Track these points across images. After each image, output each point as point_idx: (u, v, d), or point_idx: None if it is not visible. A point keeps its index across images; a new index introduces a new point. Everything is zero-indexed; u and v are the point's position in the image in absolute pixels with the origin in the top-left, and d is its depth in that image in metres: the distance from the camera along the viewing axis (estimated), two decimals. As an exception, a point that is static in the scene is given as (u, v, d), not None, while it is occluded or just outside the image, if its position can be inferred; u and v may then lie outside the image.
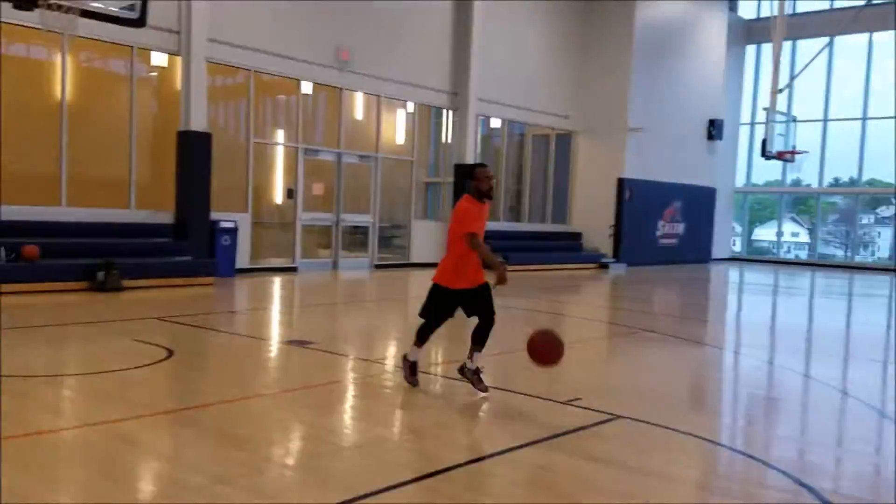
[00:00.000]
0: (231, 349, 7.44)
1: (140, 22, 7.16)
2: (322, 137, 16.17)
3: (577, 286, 16.19)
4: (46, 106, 11.76)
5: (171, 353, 6.66)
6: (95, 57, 12.71)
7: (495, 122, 19.70)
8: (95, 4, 6.48)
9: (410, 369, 5.55)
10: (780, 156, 20.68)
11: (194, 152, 12.92)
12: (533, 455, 4.20)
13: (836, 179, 26.12)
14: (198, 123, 13.00)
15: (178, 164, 12.98)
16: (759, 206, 28.71)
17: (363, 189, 16.64)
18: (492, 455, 4.25)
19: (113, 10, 6.70)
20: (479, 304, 5.30)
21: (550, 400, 5.38)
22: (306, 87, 15.30)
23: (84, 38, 11.30)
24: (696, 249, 23.78)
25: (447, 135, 18.55)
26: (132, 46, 12.42)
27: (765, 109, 20.87)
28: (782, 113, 20.90)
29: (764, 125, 20.85)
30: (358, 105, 16.63)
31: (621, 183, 20.87)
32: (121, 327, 8.07)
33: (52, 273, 10.31)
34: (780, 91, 20.53)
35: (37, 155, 11.79)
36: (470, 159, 17.82)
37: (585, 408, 5.21)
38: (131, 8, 6.72)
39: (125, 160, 12.59)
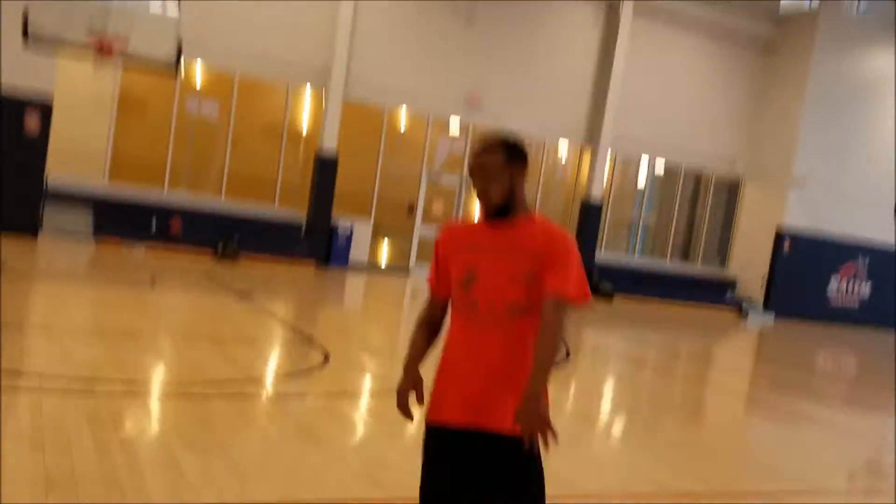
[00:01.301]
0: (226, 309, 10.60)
1: (176, 73, 10.72)
2: (446, 165, 18.97)
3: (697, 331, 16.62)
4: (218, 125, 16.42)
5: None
6: (261, 94, 17.11)
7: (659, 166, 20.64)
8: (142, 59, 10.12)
9: None
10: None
11: (325, 169, 16.62)
12: None
13: None
14: (329, 147, 16.67)
15: (312, 176, 16.79)
16: None
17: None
18: None
19: (155, 60, 10.26)
20: None
21: None
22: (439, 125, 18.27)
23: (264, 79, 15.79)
24: (882, 314, 21.55)
25: (578, 172, 20.06)
26: (288, 82, 16.58)
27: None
28: None
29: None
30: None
31: (780, 233, 20.21)
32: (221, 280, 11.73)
33: (191, 242, 14.62)
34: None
35: (207, 164, 16.46)
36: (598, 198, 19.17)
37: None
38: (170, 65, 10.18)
39: (275, 169, 16.77)
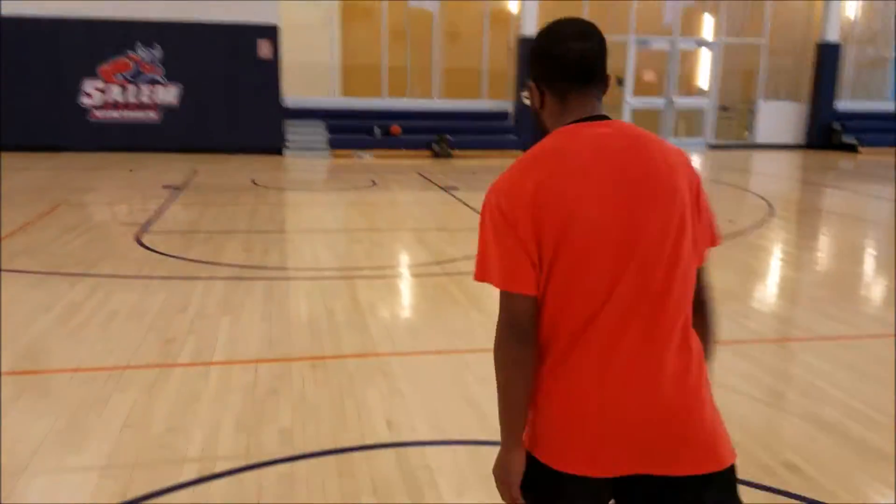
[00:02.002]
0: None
1: None
2: (654, 26, 17.85)
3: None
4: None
5: (454, 186, 11.20)
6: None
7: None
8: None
9: None
10: None
11: (527, 54, 16.62)
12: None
13: None
14: (530, 30, 16.60)
15: (517, 64, 16.95)
16: None
17: (695, 73, 17.85)
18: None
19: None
20: None
21: None
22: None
23: None
24: None
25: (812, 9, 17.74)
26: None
27: None
28: None
29: None
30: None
31: None
32: (434, 177, 12.93)
33: (408, 144, 15.78)
34: None
35: (421, 64, 17.31)
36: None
37: None
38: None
39: (480, 63, 17.18)
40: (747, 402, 3.73)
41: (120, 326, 4.67)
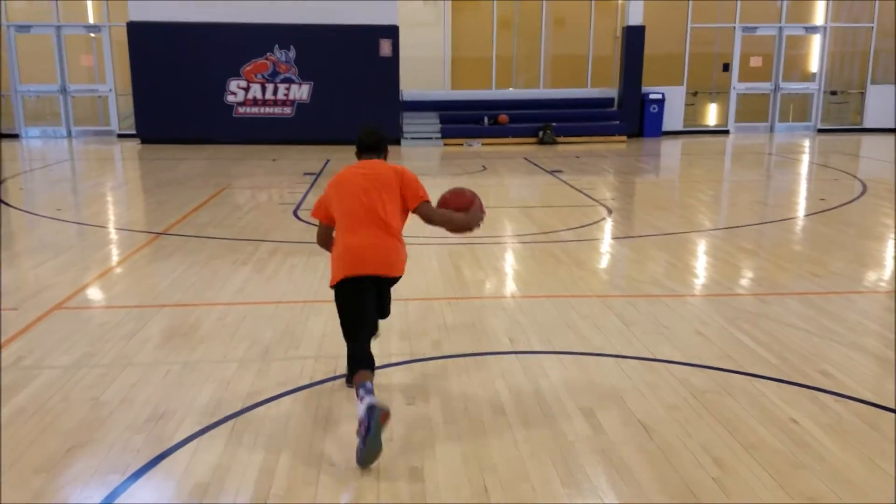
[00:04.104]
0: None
1: None
2: (761, 14, 18.02)
3: None
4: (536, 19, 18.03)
5: (559, 170, 12.34)
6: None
7: None
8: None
9: None
10: None
11: (632, 43, 17.32)
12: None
13: None
14: (635, 19, 17.24)
15: (622, 53, 17.63)
16: None
17: (804, 58, 17.90)
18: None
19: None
20: None
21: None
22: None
23: None
24: None
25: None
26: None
27: None
28: None
29: None
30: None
31: None
32: (540, 162, 14.02)
33: (515, 132, 16.83)
34: None
35: (528, 53, 18.27)
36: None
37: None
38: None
39: (586, 51, 17.97)
40: (803, 333, 4.63)
41: (300, 275, 6.06)
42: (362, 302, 3.55)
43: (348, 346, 3.58)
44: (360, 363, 3.41)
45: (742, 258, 6.70)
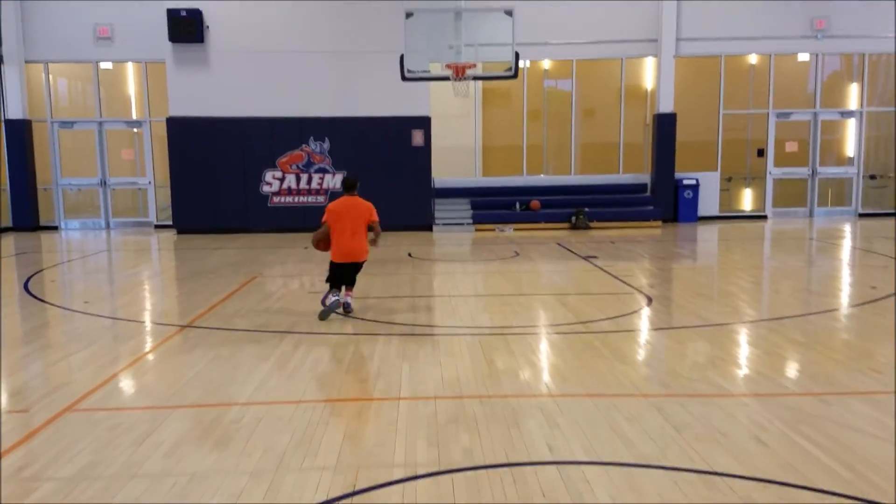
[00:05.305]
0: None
1: (514, 77, 12.50)
2: (794, 100, 17.91)
3: None
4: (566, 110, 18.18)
5: (593, 255, 12.10)
6: (597, 70, 18.39)
7: None
8: (489, 74, 12.35)
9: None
10: None
11: (664, 129, 17.29)
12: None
13: None
14: (666, 107, 17.27)
15: (653, 140, 17.58)
16: None
17: (840, 142, 17.64)
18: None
19: (498, 73, 12.40)
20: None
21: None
22: (779, 59, 17.46)
23: (593, 59, 17.31)
24: None
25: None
26: (621, 59, 17.63)
27: None
28: None
29: None
30: (830, 66, 17.62)
31: None
32: (574, 247, 13.79)
33: (547, 218, 16.68)
34: None
35: (558, 141, 18.33)
36: None
37: None
38: (510, 69, 12.19)
39: (617, 138, 17.96)
40: (871, 439, 4.16)
41: (324, 370, 5.77)
42: (343, 272, 7.75)
43: (330, 283, 7.81)
44: (332, 284, 7.79)
45: (793, 351, 6.25)
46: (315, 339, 6.78)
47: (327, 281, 7.81)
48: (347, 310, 7.69)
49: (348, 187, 7.77)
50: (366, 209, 7.64)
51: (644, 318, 7.56)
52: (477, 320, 7.56)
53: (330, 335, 6.93)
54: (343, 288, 7.72)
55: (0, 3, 16.75)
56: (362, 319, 7.58)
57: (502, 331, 7.02)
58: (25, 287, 9.90)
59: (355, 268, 7.75)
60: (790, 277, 10.49)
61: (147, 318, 8.09)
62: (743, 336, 6.86)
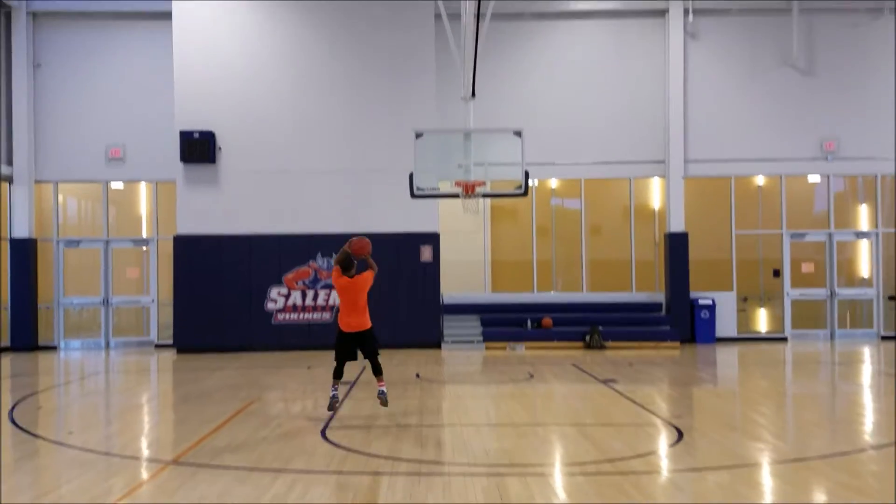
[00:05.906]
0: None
1: (524, 194, 12.38)
2: (803, 221, 17.72)
3: None
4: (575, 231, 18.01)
5: (612, 379, 11.43)
6: (605, 188, 18.31)
7: None
8: (498, 192, 12.22)
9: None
10: None
11: (676, 249, 17.01)
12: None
13: None
14: (677, 226, 17.07)
15: (665, 258, 17.27)
16: None
17: (857, 262, 17.28)
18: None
19: (509, 192, 12.28)
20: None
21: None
22: (791, 180, 17.42)
23: (607, 178, 17.33)
24: None
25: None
26: (629, 179, 17.62)
27: None
28: None
29: None
30: (834, 186, 17.53)
31: None
32: (590, 368, 13.13)
33: (560, 336, 16.11)
34: None
35: (567, 258, 18.03)
36: None
37: None
38: (519, 187, 12.07)
39: (627, 256, 17.65)
40: None
41: (320, 520, 5.09)
42: (346, 345, 8.48)
43: (335, 364, 8.58)
44: (336, 376, 8.56)
45: (859, 499, 5.52)
46: (312, 479, 6.10)
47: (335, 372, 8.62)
48: (383, 400, 8.45)
49: (347, 268, 8.30)
50: (365, 283, 8.35)
51: (679, 458, 6.84)
52: (491, 456, 6.87)
53: (329, 474, 6.25)
54: (376, 379, 8.56)
55: (11, 124, 17.01)
56: (364, 454, 6.90)
57: (520, 470, 6.32)
58: (10, 414, 9.27)
59: (362, 337, 8.37)
60: (824, 406, 9.79)
61: (128, 452, 7.43)
62: (796, 482, 6.12)
